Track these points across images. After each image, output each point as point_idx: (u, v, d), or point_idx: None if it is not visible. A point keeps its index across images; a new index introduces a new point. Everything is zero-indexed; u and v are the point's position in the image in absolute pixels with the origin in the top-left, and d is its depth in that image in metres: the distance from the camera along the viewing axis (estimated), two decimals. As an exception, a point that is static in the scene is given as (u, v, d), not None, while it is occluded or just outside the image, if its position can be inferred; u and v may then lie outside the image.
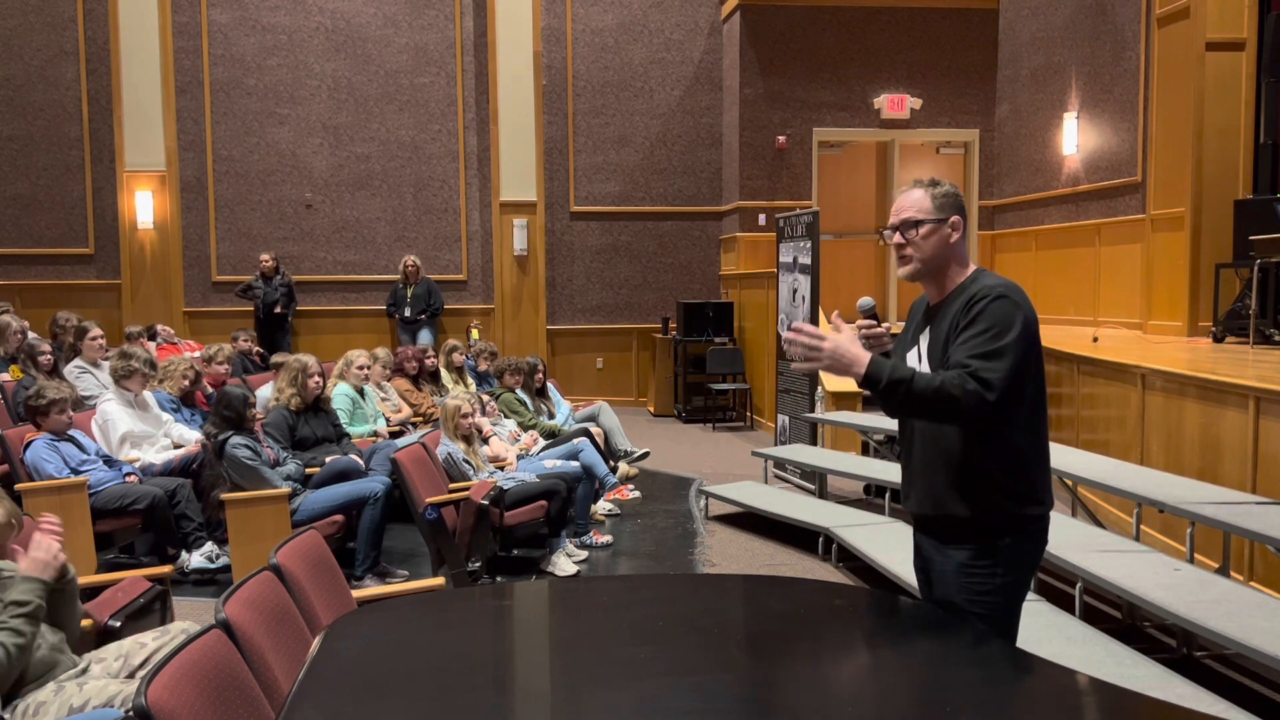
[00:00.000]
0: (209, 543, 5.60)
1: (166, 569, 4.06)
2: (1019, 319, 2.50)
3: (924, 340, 2.72)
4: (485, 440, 6.49)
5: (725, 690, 2.32)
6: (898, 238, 2.68)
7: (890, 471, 6.70)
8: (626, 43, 12.19)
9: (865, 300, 2.86)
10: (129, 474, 5.66)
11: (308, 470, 5.74)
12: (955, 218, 2.66)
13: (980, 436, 2.57)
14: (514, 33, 11.76)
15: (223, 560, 5.55)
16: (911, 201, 2.67)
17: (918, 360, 2.72)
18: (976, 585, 2.59)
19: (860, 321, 2.80)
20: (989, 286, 2.57)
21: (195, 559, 5.55)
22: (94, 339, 7.20)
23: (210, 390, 7.03)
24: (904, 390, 2.48)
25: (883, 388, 2.50)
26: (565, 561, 5.73)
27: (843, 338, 2.55)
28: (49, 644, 2.96)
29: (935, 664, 2.51)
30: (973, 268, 2.70)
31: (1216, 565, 4.81)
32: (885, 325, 2.83)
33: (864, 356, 2.52)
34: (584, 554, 6.03)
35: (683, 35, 12.24)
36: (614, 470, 7.47)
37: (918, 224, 2.65)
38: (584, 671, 2.47)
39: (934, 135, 11.88)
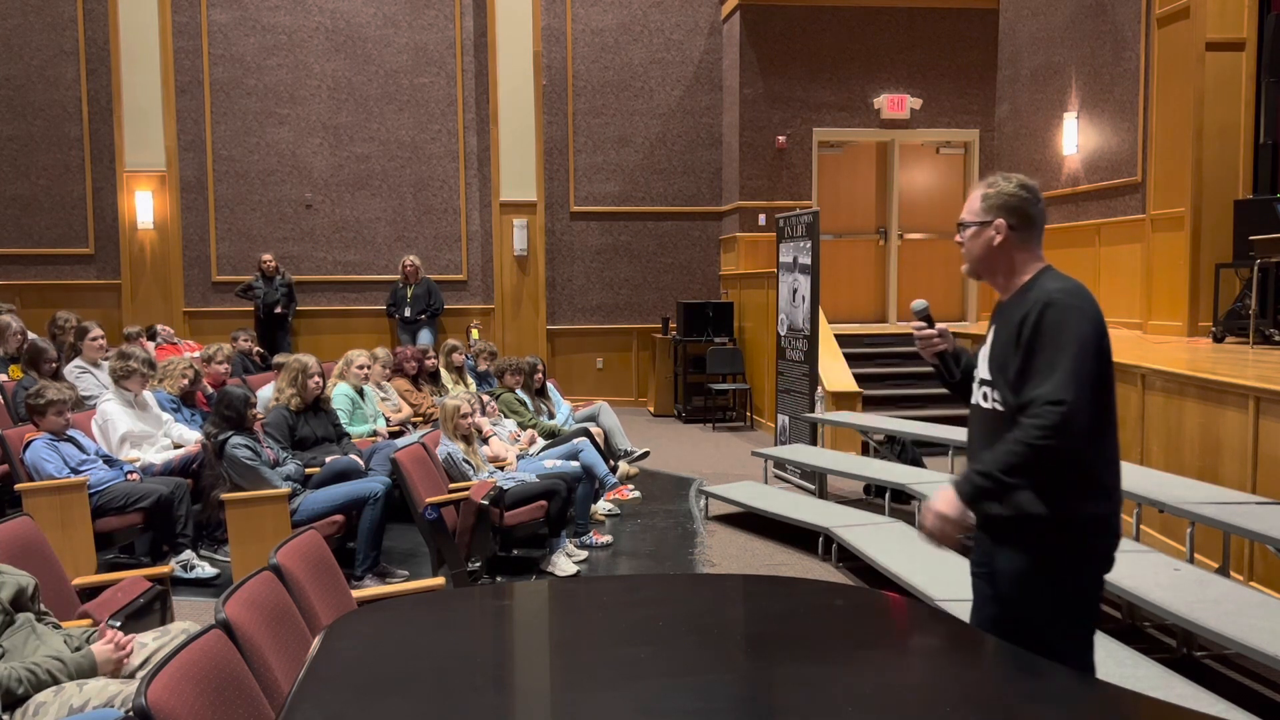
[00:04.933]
0: (187, 550, 5.59)
1: (166, 569, 4.07)
2: (1071, 326, 2.48)
3: (990, 336, 2.72)
4: (485, 440, 6.49)
5: (725, 690, 2.32)
6: (958, 236, 2.73)
7: (890, 471, 6.70)
8: (626, 43, 12.19)
9: (918, 303, 2.87)
10: (129, 473, 5.65)
11: (308, 470, 5.73)
12: (999, 220, 2.63)
13: None
14: (514, 33, 11.76)
15: (197, 571, 5.53)
16: (969, 201, 2.71)
17: (984, 358, 2.72)
18: (1045, 593, 2.55)
19: (914, 323, 2.83)
20: (1045, 292, 2.55)
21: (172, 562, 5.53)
22: (94, 339, 7.20)
23: (210, 390, 7.03)
24: (995, 482, 2.48)
25: (973, 492, 2.50)
26: (565, 561, 5.73)
27: (931, 501, 2.57)
28: (49, 646, 2.96)
29: (935, 664, 2.51)
30: (1037, 267, 2.66)
31: (1216, 565, 4.81)
32: (940, 327, 2.85)
33: (949, 493, 2.54)
34: (584, 554, 6.03)
35: (683, 35, 12.25)
36: (614, 470, 7.47)
37: (964, 225, 2.70)
38: (584, 671, 2.47)
39: (934, 135, 11.89)
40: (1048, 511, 2.53)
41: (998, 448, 2.51)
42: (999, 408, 2.64)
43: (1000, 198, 2.64)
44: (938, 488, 2.56)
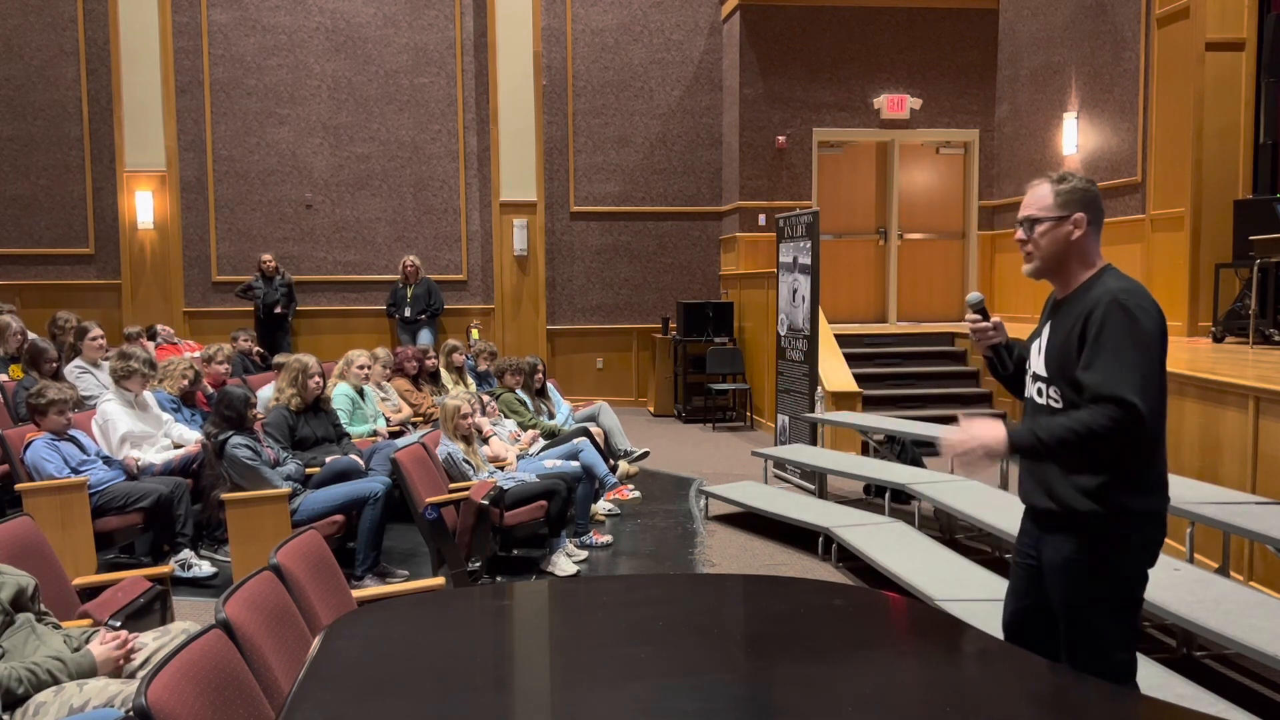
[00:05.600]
0: (186, 549, 5.59)
1: (167, 569, 4.06)
2: (1139, 325, 2.49)
3: (1045, 332, 2.72)
4: (485, 440, 6.49)
5: (725, 690, 2.32)
6: (1020, 234, 2.70)
7: (890, 471, 6.70)
8: (626, 43, 12.19)
9: (974, 295, 2.90)
10: (125, 457, 5.65)
11: (308, 470, 5.73)
12: (1079, 214, 2.63)
13: None
14: (514, 33, 11.76)
15: (195, 571, 5.53)
16: (1036, 198, 2.68)
17: (1038, 352, 2.73)
18: (1090, 584, 2.58)
19: (969, 316, 2.86)
20: (1108, 290, 2.55)
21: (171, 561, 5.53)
22: (94, 339, 7.20)
23: (210, 390, 7.03)
24: (1054, 444, 2.51)
25: (1028, 448, 2.55)
26: (565, 561, 5.73)
27: (975, 425, 2.58)
28: (49, 646, 2.96)
29: (935, 664, 2.52)
30: (1100, 264, 2.67)
31: (1216, 565, 4.81)
32: (995, 319, 2.87)
33: (1001, 433, 2.55)
34: (584, 554, 6.03)
35: (683, 35, 12.25)
36: (614, 470, 7.47)
37: (1036, 221, 2.66)
38: (584, 671, 2.47)
39: (934, 135, 11.88)
40: (1102, 508, 2.55)
41: (1061, 420, 2.53)
42: (1054, 404, 2.65)
43: (1076, 192, 2.64)
44: (986, 422, 2.58)
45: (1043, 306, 2.87)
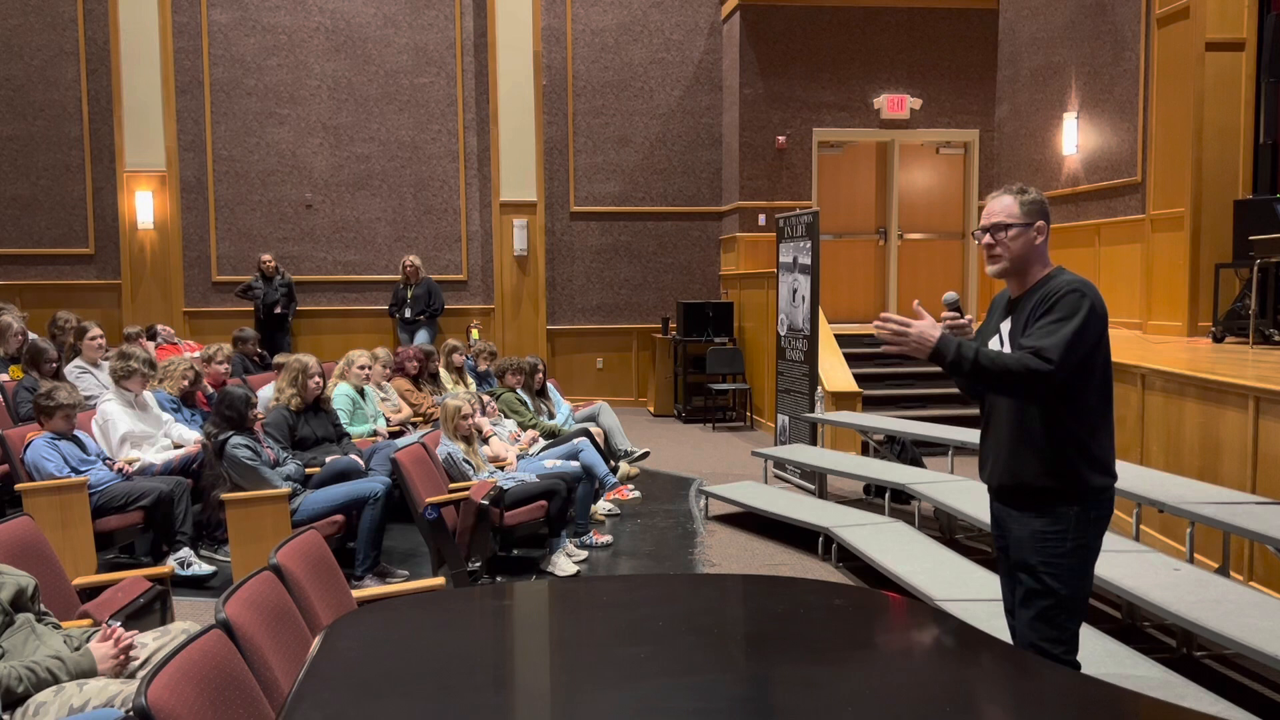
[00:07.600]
0: (185, 548, 5.59)
1: (167, 569, 4.06)
2: (1085, 307, 2.81)
3: (1005, 328, 3.03)
4: (485, 440, 6.49)
5: (725, 690, 2.32)
6: (988, 238, 3.01)
7: (890, 471, 6.70)
8: (626, 43, 12.19)
9: (950, 295, 3.17)
10: (120, 461, 5.66)
11: (308, 470, 5.73)
12: (1040, 222, 2.99)
13: (1058, 415, 2.87)
14: (514, 33, 11.76)
15: (193, 569, 5.52)
16: (1001, 207, 3.00)
17: (999, 345, 3.02)
18: (1051, 549, 2.89)
19: (945, 314, 3.11)
20: (1064, 282, 2.88)
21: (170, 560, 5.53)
22: (93, 339, 7.20)
23: (210, 390, 7.03)
24: (970, 363, 2.79)
25: (950, 360, 2.80)
26: (565, 561, 5.73)
27: (925, 323, 2.85)
28: (48, 646, 2.96)
29: (935, 664, 2.52)
30: (1053, 266, 3.00)
31: (1216, 565, 4.81)
32: (968, 317, 3.13)
33: (935, 335, 2.82)
34: (584, 554, 6.03)
35: (683, 35, 12.25)
36: (614, 470, 7.46)
37: (1006, 227, 2.97)
38: (584, 671, 2.47)
39: (934, 135, 11.89)
40: (1062, 484, 2.88)
41: (987, 350, 2.84)
42: None
43: (1037, 203, 3.00)
44: (930, 323, 2.85)
45: (989, 306, 3.21)
